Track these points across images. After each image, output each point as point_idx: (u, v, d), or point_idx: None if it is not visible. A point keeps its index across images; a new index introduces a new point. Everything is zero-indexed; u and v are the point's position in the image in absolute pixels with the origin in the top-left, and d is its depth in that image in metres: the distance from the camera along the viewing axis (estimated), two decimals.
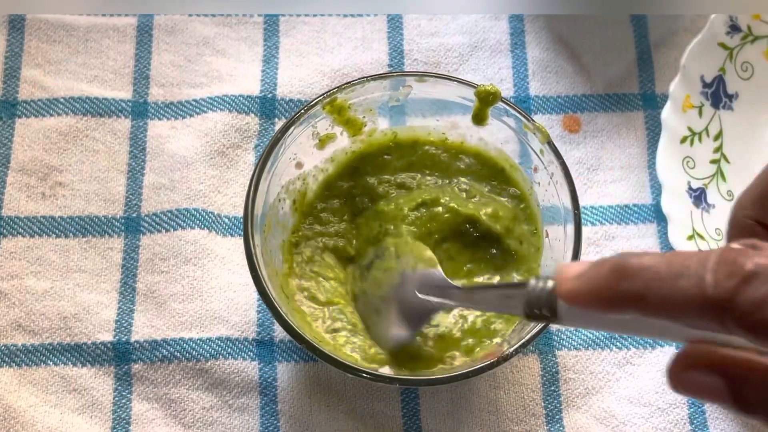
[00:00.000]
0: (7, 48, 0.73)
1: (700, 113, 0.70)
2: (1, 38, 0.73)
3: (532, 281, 0.44)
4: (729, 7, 0.70)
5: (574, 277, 0.40)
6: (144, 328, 0.65)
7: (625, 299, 0.38)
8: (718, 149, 0.70)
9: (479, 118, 0.64)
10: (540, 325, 0.56)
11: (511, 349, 0.55)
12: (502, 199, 0.65)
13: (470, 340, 0.61)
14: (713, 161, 0.70)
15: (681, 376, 0.39)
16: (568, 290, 0.40)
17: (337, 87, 0.62)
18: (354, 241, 0.65)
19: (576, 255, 0.58)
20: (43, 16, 0.74)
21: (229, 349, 0.64)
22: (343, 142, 0.66)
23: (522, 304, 0.45)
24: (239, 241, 0.68)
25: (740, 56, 0.71)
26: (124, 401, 0.64)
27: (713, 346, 0.39)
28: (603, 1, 0.72)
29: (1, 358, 0.64)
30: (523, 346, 0.55)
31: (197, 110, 0.71)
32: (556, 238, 0.61)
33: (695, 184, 0.68)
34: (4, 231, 0.67)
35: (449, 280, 0.59)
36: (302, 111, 0.61)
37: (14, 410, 0.62)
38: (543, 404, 0.65)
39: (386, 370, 0.58)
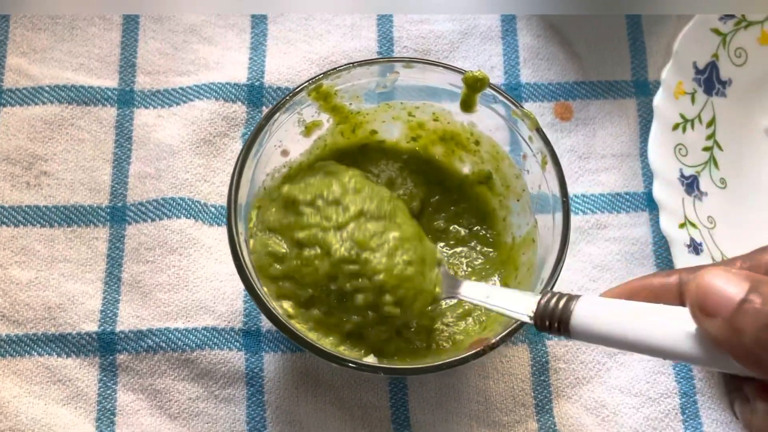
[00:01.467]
0: None
1: (693, 100, 0.69)
2: None
3: (547, 295, 0.48)
4: (720, 6, 0.69)
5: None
6: (129, 318, 0.64)
7: None
8: (711, 136, 0.69)
9: (467, 105, 0.63)
10: None
11: (498, 338, 0.54)
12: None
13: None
14: (706, 149, 0.69)
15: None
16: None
17: (323, 73, 0.61)
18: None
19: (564, 243, 0.57)
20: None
21: (216, 340, 0.64)
22: (328, 130, 0.65)
23: (532, 312, 0.49)
24: (226, 231, 0.67)
25: (734, 42, 0.70)
26: (109, 392, 0.63)
27: None
28: (596, 1, 0.71)
29: None
30: (510, 335, 0.54)
31: (184, 98, 0.71)
32: (545, 227, 0.61)
33: (687, 172, 0.67)
34: None
35: (455, 277, 0.60)
36: (288, 97, 0.61)
37: None
38: (533, 394, 0.64)
39: (371, 359, 0.58)
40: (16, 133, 0.69)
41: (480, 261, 0.65)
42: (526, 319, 0.50)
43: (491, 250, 0.65)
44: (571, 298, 0.47)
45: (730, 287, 0.42)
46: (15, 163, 0.68)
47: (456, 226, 0.66)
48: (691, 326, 0.44)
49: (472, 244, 0.65)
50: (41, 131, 0.69)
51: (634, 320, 0.45)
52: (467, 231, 0.66)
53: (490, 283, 0.63)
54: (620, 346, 0.45)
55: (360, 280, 0.57)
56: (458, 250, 0.65)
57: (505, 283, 0.63)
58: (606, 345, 0.46)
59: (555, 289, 0.51)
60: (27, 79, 0.71)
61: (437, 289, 0.59)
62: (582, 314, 0.46)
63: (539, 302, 0.49)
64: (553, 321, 0.47)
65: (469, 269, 0.64)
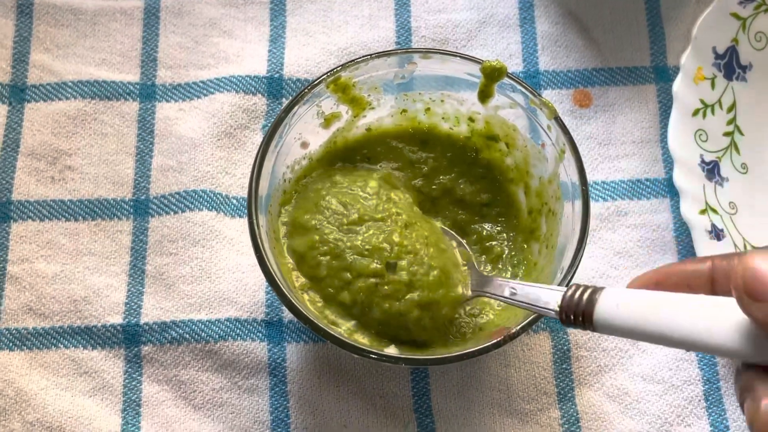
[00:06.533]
0: (15, 33, 0.73)
1: (713, 85, 0.69)
2: (9, 23, 0.73)
3: (572, 288, 0.47)
4: None
5: None
6: (153, 310, 0.65)
7: None
8: (732, 121, 0.69)
9: (485, 95, 0.63)
10: None
11: (518, 327, 0.55)
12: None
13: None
14: (726, 134, 0.68)
15: None
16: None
17: (341, 65, 0.62)
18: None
19: (583, 231, 0.57)
20: (51, 0, 0.74)
21: (238, 330, 0.64)
22: (347, 121, 0.65)
23: (557, 307, 0.48)
24: (247, 222, 0.67)
25: (753, 26, 0.70)
26: (134, 383, 0.64)
27: None
28: None
29: (13, 341, 0.64)
30: (530, 324, 0.55)
31: (205, 92, 0.71)
32: (566, 214, 0.61)
33: (708, 157, 0.67)
34: (15, 215, 0.68)
35: (482, 273, 0.61)
36: (306, 90, 0.61)
37: (26, 393, 0.63)
38: (555, 382, 0.64)
39: (392, 350, 0.58)
40: (40, 129, 0.70)
41: (499, 229, 0.65)
42: (552, 315, 0.49)
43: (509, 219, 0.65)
44: (596, 290, 0.46)
45: None
46: (40, 158, 0.69)
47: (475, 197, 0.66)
48: (729, 315, 0.42)
49: (493, 213, 0.66)
50: (65, 126, 0.70)
51: (660, 311, 0.43)
52: (486, 204, 0.66)
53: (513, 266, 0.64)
54: (646, 339, 0.44)
55: (386, 288, 0.59)
56: (477, 227, 0.65)
57: (527, 257, 0.63)
58: (631, 338, 0.45)
59: (577, 279, 0.51)
60: (51, 75, 0.72)
61: (462, 291, 0.60)
62: (605, 307, 0.45)
63: (564, 296, 0.48)
64: (578, 314, 0.46)
65: (486, 234, 0.65)
